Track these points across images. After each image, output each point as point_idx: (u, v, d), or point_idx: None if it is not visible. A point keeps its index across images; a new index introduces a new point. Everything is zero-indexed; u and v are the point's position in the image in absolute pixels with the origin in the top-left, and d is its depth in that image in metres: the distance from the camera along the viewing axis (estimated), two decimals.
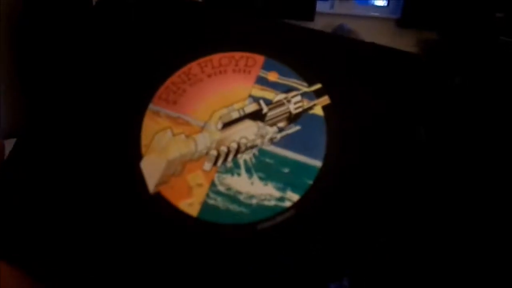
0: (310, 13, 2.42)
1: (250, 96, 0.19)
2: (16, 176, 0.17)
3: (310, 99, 0.18)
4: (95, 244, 0.16)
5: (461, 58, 2.30)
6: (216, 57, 0.19)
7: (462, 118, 2.20)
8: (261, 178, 0.17)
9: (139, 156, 0.17)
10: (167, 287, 0.16)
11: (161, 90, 0.18)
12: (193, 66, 0.19)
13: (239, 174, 0.17)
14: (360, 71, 0.19)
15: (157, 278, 0.16)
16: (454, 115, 2.27)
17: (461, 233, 1.68)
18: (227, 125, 0.18)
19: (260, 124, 0.18)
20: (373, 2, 2.70)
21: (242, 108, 0.18)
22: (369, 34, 2.30)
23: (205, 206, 0.17)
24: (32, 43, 1.63)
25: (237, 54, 0.19)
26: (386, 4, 2.67)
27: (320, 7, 2.48)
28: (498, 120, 1.97)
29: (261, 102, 0.18)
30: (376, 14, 2.60)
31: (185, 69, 0.19)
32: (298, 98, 0.18)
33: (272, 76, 0.19)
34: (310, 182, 0.17)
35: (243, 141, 0.18)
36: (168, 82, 0.19)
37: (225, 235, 0.16)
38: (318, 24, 2.52)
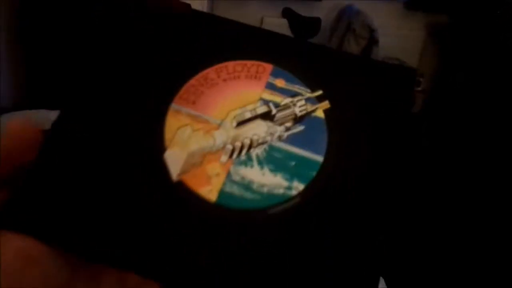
0: None
1: (261, 99, 0.21)
2: (51, 167, 0.20)
3: (313, 103, 0.21)
4: (126, 224, 0.19)
5: (470, 42, 2.27)
6: (230, 64, 0.22)
7: (465, 113, 2.19)
8: (271, 170, 0.20)
9: (163, 149, 0.20)
10: (188, 265, 0.18)
11: (182, 91, 0.21)
12: (210, 72, 0.22)
13: (252, 166, 0.20)
14: (356, 81, 0.22)
15: (179, 255, 0.18)
16: (456, 111, 2.26)
17: (461, 231, 1.69)
18: (241, 123, 0.21)
19: (269, 123, 0.21)
20: None
21: (254, 109, 0.21)
22: (376, 16, 2.27)
23: (222, 193, 0.19)
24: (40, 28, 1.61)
25: (249, 62, 0.22)
26: None
27: None
28: (501, 115, 1.96)
29: (271, 104, 0.21)
30: None
31: (203, 73, 0.22)
32: (302, 102, 0.21)
33: (280, 83, 0.22)
34: (314, 173, 0.20)
35: (255, 137, 0.20)
36: (188, 85, 0.21)
37: (240, 219, 0.19)
38: (326, 5, 2.49)
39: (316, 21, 2.51)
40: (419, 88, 2.41)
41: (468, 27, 2.30)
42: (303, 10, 2.51)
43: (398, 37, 2.49)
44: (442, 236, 1.62)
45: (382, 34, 2.19)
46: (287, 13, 2.53)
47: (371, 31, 2.15)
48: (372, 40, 2.17)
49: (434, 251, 1.54)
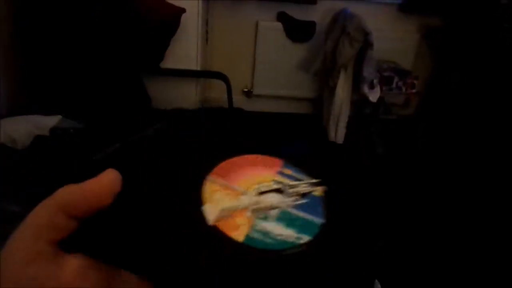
0: None
1: (274, 180, 0.29)
2: (119, 215, 0.25)
3: (313, 186, 0.29)
4: (172, 257, 0.24)
5: (463, 45, 2.29)
6: (251, 156, 0.31)
7: (460, 114, 2.20)
8: (284, 226, 0.26)
9: (201, 204, 0.26)
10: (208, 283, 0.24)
11: (216, 168, 0.29)
12: (238, 159, 0.30)
13: (269, 222, 0.26)
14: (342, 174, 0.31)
15: (215, 283, 0.23)
16: (451, 111, 2.27)
17: (455, 234, 1.69)
18: (260, 194, 0.27)
19: (281, 196, 0.28)
20: None
21: (270, 185, 0.28)
22: (371, 19, 2.28)
23: (248, 237, 0.25)
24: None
25: (267, 157, 0.31)
26: None
27: None
28: (498, 114, 1.97)
29: (282, 184, 0.28)
30: None
31: (230, 160, 0.30)
32: (306, 185, 0.29)
33: (288, 171, 0.30)
34: (316, 230, 0.26)
35: (272, 203, 0.27)
36: (221, 164, 0.29)
37: (260, 256, 0.24)
38: (321, 8, 2.50)
39: (311, 24, 2.53)
40: (414, 90, 2.43)
41: (462, 28, 2.31)
42: (298, 14, 2.53)
43: (393, 40, 2.51)
44: (436, 238, 1.63)
45: (377, 36, 2.20)
46: (282, 17, 2.54)
47: (366, 34, 2.16)
48: (367, 43, 2.18)
49: (427, 254, 1.54)
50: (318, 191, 0.28)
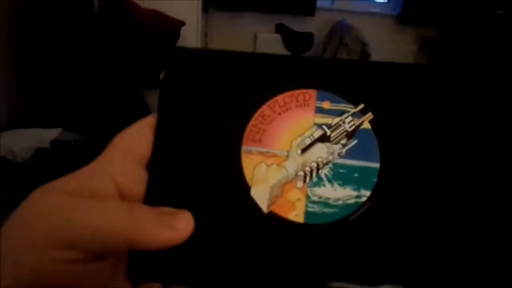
0: (311, 8, 2.42)
1: (315, 124, 0.24)
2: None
3: (358, 117, 0.24)
4: (230, 253, 0.22)
5: (461, 56, 2.30)
6: (280, 98, 0.24)
7: (463, 116, 2.21)
8: (340, 185, 0.23)
9: (248, 188, 0.23)
10: (288, 277, 0.22)
11: (247, 133, 0.24)
12: (265, 109, 0.24)
13: (324, 185, 0.23)
14: (392, 89, 0.24)
15: (281, 273, 0.22)
16: (455, 114, 2.28)
17: (456, 236, 1.68)
18: (304, 150, 0.23)
19: (328, 144, 0.24)
20: None
21: (312, 135, 0.24)
22: (369, 30, 2.30)
23: (307, 214, 0.22)
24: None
25: (296, 92, 0.24)
26: (386, 0, 2.67)
27: (320, 2, 2.47)
28: (498, 119, 1.98)
29: (324, 127, 0.24)
30: (376, 10, 2.60)
31: (259, 112, 0.24)
32: (350, 118, 0.24)
33: (326, 105, 0.24)
34: (374, 179, 0.23)
35: (320, 160, 0.23)
36: (250, 125, 0.24)
37: (326, 231, 0.22)
38: (319, 19, 2.52)
39: (309, 36, 2.55)
40: None
41: (459, 39, 2.33)
42: (296, 25, 2.55)
43: (390, 51, 2.53)
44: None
45: (375, 48, 2.22)
46: (281, 29, 2.56)
47: (363, 45, 2.18)
48: (365, 54, 2.20)
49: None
50: (365, 122, 0.24)
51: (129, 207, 0.21)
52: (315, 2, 2.43)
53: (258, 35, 2.55)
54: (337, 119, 0.24)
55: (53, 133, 1.36)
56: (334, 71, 0.25)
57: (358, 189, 0.23)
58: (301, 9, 2.43)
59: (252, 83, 0.24)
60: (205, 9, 2.26)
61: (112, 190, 0.22)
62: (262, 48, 2.56)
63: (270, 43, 2.55)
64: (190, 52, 0.26)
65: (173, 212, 0.22)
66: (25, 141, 1.31)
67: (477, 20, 2.25)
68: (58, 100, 1.67)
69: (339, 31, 2.27)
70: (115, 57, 1.79)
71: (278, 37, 2.55)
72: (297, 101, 0.24)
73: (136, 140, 0.24)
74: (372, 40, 2.22)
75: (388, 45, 2.53)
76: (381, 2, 2.67)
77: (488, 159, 0.25)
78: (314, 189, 0.23)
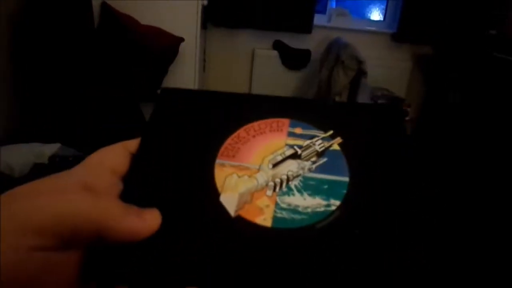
0: (308, 26, 2.46)
1: (286, 144, 0.26)
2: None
3: (328, 140, 0.26)
4: (198, 255, 0.22)
5: (455, 73, 2.34)
6: (256, 124, 0.27)
7: (458, 133, 2.23)
8: (309, 195, 0.24)
9: (218, 194, 0.24)
10: (254, 278, 0.22)
11: (222, 149, 0.26)
12: (241, 132, 0.27)
13: (293, 194, 0.24)
14: (357, 120, 0.28)
15: (247, 275, 0.22)
16: (450, 130, 2.31)
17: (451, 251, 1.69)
18: (275, 165, 0.25)
19: (299, 161, 0.25)
20: (370, 17, 2.75)
21: (283, 153, 0.26)
22: (365, 47, 2.33)
23: (275, 219, 0.23)
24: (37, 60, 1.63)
25: (270, 120, 0.27)
26: (382, 19, 2.72)
27: (317, 20, 2.52)
28: (493, 134, 2.00)
29: (295, 147, 0.26)
30: (372, 28, 2.64)
31: (235, 134, 0.27)
32: (320, 141, 0.26)
33: (298, 130, 0.27)
34: (344, 191, 0.24)
35: (290, 173, 0.25)
36: (226, 144, 0.26)
37: (294, 236, 0.23)
38: (316, 37, 2.56)
39: (306, 53, 2.58)
40: (407, 118, 2.46)
41: (453, 57, 2.37)
42: (294, 42, 2.58)
43: (386, 68, 2.56)
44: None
45: (370, 65, 2.25)
46: (278, 45, 2.59)
47: (359, 62, 2.21)
48: (360, 72, 2.22)
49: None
50: (334, 145, 0.26)
51: (96, 195, 0.22)
52: (312, 19, 2.47)
53: (255, 51, 2.58)
54: (308, 142, 0.26)
55: (52, 148, 1.36)
56: (306, 106, 0.29)
57: (327, 199, 0.24)
58: (298, 26, 2.47)
59: (230, 113, 0.28)
60: (204, 26, 2.28)
61: (80, 186, 0.22)
62: (259, 64, 2.59)
63: (268, 59, 2.59)
64: (180, 91, 0.30)
65: (141, 208, 0.23)
66: (23, 156, 1.31)
67: (470, 38, 2.29)
68: (56, 115, 1.67)
69: (335, 49, 2.30)
70: (115, 72, 1.80)
71: (275, 53, 2.58)
72: (271, 127, 0.27)
73: (111, 155, 0.25)
74: (368, 57, 2.25)
75: (384, 62, 2.57)
76: (378, 21, 2.72)
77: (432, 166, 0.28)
78: (283, 197, 0.24)
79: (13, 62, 1.65)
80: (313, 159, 0.25)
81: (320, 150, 0.26)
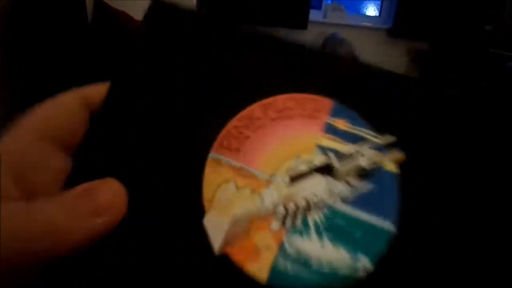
0: (303, 22, 2.45)
1: (318, 146, 0.17)
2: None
3: (383, 152, 0.16)
4: None
5: (450, 68, 2.34)
6: (280, 99, 0.17)
7: (457, 130, 2.23)
8: (332, 241, 0.15)
9: (201, 212, 0.16)
10: None
11: (222, 135, 0.16)
12: (255, 108, 0.17)
13: (309, 236, 0.15)
14: (442, 122, 0.17)
15: None
16: (449, 127, 2.30)
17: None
18: (294, 179, 0.16)
19: (330, 179, 0.16)
20: (365, 12, 2.74)
21: (311, 160, 0.16)
22: (360, 43, 2.33)
23: (274, 271, 0.15)
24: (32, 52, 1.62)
25: (304, 96, 0.17)
26: (377, 14, 2.71)
27: (313, 16, 2.51)
28: (491, 133, 2.01)
29: (331, 154, 0.17)
30: (368, 23, 2.64)
31: (246, 111, 0.17)
32: (371, 151, 0.16)
33: (341, 124, 0.17)
34: (383, 247, 0.15)
35: (312, 198, 0.16)
36: (229, 126, 0.17)
37: None
38: (311, 32, 2.55)
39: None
40: None
41: (449, 53, 2.37)
42: (289, 38, 2.56)
43: (382, 63, 2.54)
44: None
45: (366, 60, 2.24)
46: None
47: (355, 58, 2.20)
48: None
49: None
50: (392, 162, 0.16)
51: (27, 208, 0.15)
52: (308, 15, 2.46)
53: None
54: (351, 148, 0.17)
55: None
56: (367, 79, 0.18)
57: (355, 254, 0.15)
58: (293, 22, 2.45)
59: (245, 70, 0.17)
60: None
61: (10, 186, 0.16)
62: None
63: None
64: (175, 11, 0.19)
65: (92, 187, 0.15)
66: None
67: (466, 34, 2.29)
68: None
69: (331, 44, 2.29)
70: (109, 69, 1.79)
71: None
72: (302, 108, 0.17)
73: (56, 116, 0.18)
74: (363, 52, 2.24)
75: (379, 58, 2.56)
76: (373, 16, 2.71)
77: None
78: (293, 237, 0.16)
79: (5, 60, 1.63)
80: (353, 181, 0.16)
81: (367, 167, 0.16)
